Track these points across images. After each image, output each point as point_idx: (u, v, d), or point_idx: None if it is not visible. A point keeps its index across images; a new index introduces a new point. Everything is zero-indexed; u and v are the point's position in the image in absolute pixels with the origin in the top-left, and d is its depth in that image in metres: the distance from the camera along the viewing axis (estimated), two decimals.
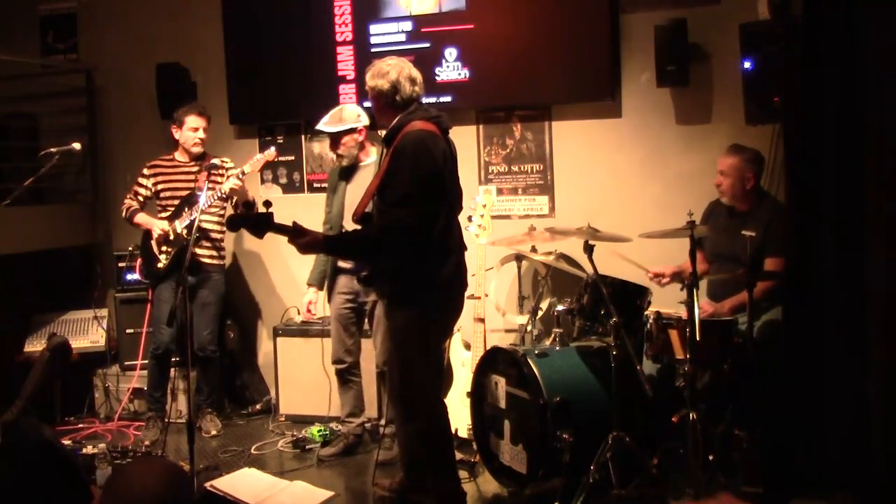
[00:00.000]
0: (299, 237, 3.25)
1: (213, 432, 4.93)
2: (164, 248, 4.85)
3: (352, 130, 4.26)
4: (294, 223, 3.28)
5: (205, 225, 4.82)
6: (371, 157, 4.35)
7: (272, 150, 4.67)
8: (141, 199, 4.98)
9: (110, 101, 5.94)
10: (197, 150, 4.91)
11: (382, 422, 4.44)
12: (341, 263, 4.35)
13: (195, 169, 4.90)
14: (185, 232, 4.76)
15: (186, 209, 4.80)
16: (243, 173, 4.61)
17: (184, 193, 4.86)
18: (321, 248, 3.53)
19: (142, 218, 4.95)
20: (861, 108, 2.98)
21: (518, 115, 4.99)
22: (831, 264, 3.21)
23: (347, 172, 4.38)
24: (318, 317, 4.70)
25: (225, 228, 4.91)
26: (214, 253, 4.94)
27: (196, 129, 4.87)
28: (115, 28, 5.91)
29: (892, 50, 2.74)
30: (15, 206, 4.90)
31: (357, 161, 4.34)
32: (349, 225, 4.10)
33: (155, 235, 4.85)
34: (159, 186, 4.94)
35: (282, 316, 5.27)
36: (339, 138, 4.28)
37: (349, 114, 4.29)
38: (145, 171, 5.00)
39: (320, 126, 4.32)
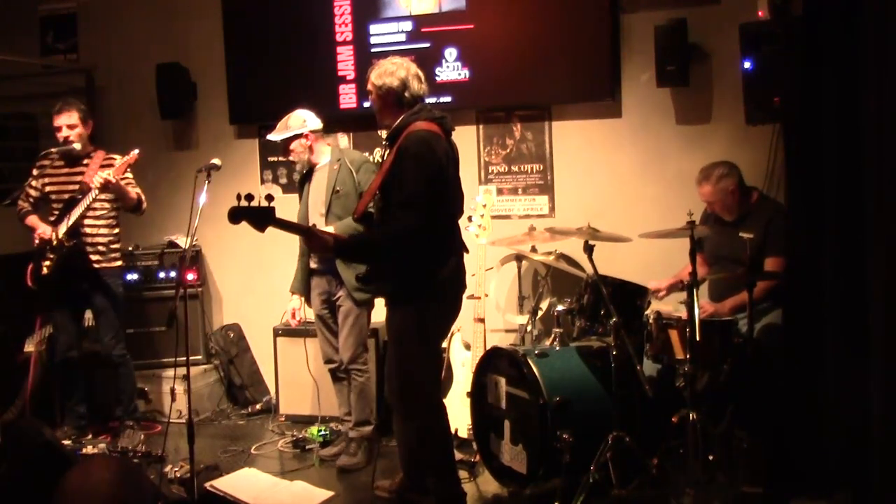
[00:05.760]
0: (314, 240, 3.26)
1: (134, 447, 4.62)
2: (49, 255, 4.55)
3: (298, 136, 4.29)
4: (312, 226, 3.29)
5: (87, 230, 4.59)
6: (324, 158, 4.36)
7: (135, 152, 4.43)
8: (32, 200, 4.74)
9: (110, 101, 5.93)
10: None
11: (347, 419, 4.46)
12: (312, 264, 4.38)
13: (80, 169, 4.62)
14: (66, 238, 4.51)
15: (68, 214, 4.53)
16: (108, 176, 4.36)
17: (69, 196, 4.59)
18: (332, 250, 3.52)
19: (31, 220, 4.69)
20: (861, 108, 2.98)
21: (518, 115, 4.99)
22: (831, 264, 3.20)
23: (306, 177, 4.44)
24: (304, 321, 4.67)
25: (114, 230, 4.72)
26: (101, 257, 4.66)
27: (59, 129, 4.59)
28: (115, 28, 5.91)
29: (892, 50, 2.74)
30: (15, 206, 4.89)
31: (311, 165, 4.38)
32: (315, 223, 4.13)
33: (35, 242, 4.61)
34: (48, 188, 4.70)
35: (282, 316, 5.26)
36: (287, 145, 4.32)
37: (295, 120, 4.32)
38: (34, 171, 4.75)
39: (269, 135, 4.39)
